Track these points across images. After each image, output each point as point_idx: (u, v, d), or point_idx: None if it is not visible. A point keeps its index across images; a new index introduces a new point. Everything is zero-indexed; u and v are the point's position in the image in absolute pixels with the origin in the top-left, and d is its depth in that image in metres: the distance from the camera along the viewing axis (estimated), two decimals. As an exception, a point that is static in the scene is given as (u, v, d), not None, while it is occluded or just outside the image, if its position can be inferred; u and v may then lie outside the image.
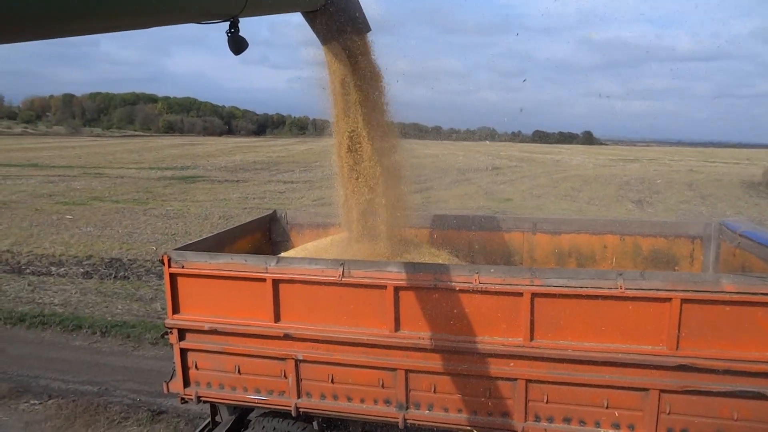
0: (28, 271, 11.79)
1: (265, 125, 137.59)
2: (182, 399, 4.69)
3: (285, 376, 4.40)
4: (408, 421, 4.23)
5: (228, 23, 2.79)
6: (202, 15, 2.54)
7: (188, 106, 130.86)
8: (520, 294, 3.84)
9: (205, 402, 4.72)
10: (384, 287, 4.05)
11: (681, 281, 3.61)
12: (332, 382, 4.32)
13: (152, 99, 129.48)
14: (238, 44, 2.80)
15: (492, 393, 4.06)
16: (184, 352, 4.58)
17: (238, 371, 4.49)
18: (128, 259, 12.57)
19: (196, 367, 4.60)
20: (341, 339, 4.20)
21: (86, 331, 8.47)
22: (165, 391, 4.72)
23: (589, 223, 5.88)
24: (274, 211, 6.55)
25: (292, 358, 4.34)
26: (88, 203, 20.69)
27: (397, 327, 4.11)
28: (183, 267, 4.41)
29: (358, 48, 4.41)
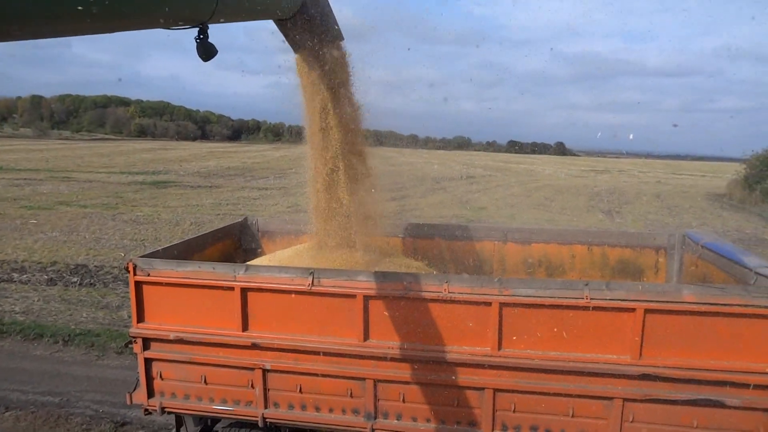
0: (-12, 277, 11.36)
1: (240, 131, 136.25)
2: (146, 410, 4.58)
3: (252, 386, 4.34)
4: (376, 431, 4.20)
5: (197, 29, 2.76)
6: (170, 20, 2.51)
7: (162, 110, 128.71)
8: (489, 303, 3.87)
9: (169, 413, 4.62)
10: (353, 296, 4.04)
11: (644, 292, 3.69)
12: (300, 391, 4.28)
13: (124, 102, 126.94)
14: (207, 50, 2.77)
15: (460, 402, 4.07)
16: (148, 361, 4.48)
17: (204, 381, 4.40)
18: (95, 266, 12.24)
19: (160, 377, 4.50)
20: (310, 348, 4.16)
21: (48, 340, 8.20)
22: (128, 402, 4.60)
23: (558, 234, 5.98)
24: (245, 218, 6.48)
25: (260, 368, 4.28)
26: (55, 208, 20.12)
27: (366, 336, 4.09)
28: (149, 275, 4.32)
29: (331, 56, 4.42)
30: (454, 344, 3.99)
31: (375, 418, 4.19)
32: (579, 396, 3.87)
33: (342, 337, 4.13)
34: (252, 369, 4.31)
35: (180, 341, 4.34)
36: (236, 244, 6.24)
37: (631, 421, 3.83)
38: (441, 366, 4.02)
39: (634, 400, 3.79)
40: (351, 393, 4.20)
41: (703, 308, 3.62)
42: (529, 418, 3.99)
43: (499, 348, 3.91)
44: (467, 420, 4.09)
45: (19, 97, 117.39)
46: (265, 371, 4.29)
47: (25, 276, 11.48)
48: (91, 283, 11.12)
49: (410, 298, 3.97)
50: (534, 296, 3.81)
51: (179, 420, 4.93)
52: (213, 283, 4.22)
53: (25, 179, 29.23)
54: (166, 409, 4.54)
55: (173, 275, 4.28)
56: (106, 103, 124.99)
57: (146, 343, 4.44)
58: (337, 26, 4.31)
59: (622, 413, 3.82)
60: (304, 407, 4.31)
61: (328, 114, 4.63)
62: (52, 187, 26.35)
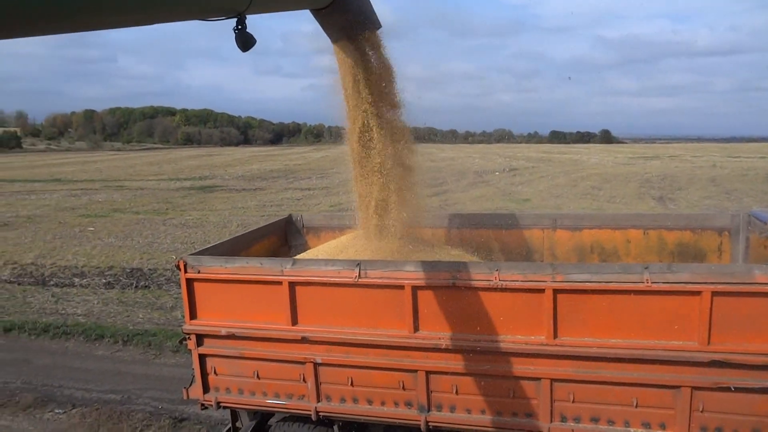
0: (51, 282, 11.97)
1: (281, 134, 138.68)
2: (202, 405, 4.67)
3: (304, 380, 4.35)
4: (430, 423, 4.13)
5: (235, 20, 2.76)
6: (207, 11, 2.51)
7: (205, 118, 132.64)
8: (542, 290, 3.73)
9: (225, 408, 4.69)
10: (401, 287, 3.98)
11: (711, 273, 3.46)
12: (352, 385, 4.25)
13: (170, 112, 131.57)
14: (245, 41, 2.77)
15: (516, 393, 3.94)
16: (202, 357, 4.56)
17: (257, 376, 4.45)
18: (149, 269, 12.69)
19: (215, 372, 4.57)
20: (360, 341, 4.13)
21: (108, 341, 8.55)
22: (185, 397, 4.70)
23: (611, 218, 5.73)
24: (290, 215, 6.53)
25: (311, 362, 4.28)
26: (110, 215, 21.02)
27: (416, 327, 4.02)
28: (199, 272, 4.40)
29: (369, 45, 4.37)
30: (508, 333, 3.86)
31: (428, 410, 4.12)
32: (642, 385, 3.68)
33: (391, 328, 4.07)
34: (303, 363, 4.31)
35: (231, 336, 4.40)
36: (282, 240, 6.30)
37: (701, 411, 3.61)
38: (494, 356, 3.91)
39: (704, 389, 3.57)
40: (403, 385, 4.14)
41: None
42: (590, 409, 3.83)
43: (555, 336, 3.77)
44: (524, 411, 3.96)
45: (73, 113, 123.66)
46: (316, 365, 4.29)
47: (85, 280, 12.02)
48: (146, 286, 11.53)
49: (460, 288, 3.87)
50: (590, 281, 3.64)
51: (234, 414, 5.00)
52: (261, 278, 4.25)
53: (81, 189, 30.69)
54: (222, 404, 4.61)
55: (222, 272, 4.33)
56: (153, 113, 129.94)
57: (199, 339, 4.52)
58: (375, 14, 4.26)
59: (690, 402, 3.60)
60: (356, 400, 4.29)
61: (362, 94, 4.57)
62: (106, 196, 27.56)
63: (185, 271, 4.41)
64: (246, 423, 5.01)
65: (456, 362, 3.99)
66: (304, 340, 4.24)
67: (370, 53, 4.44)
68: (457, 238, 6.00)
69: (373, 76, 4.52)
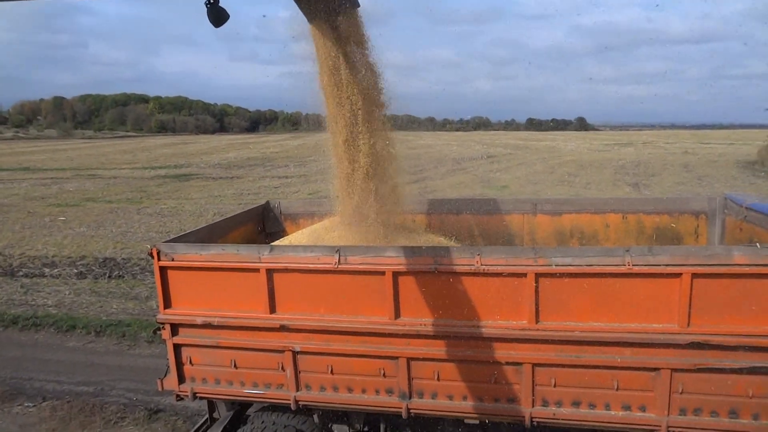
0: (20, 273, 11.60)
1: (258, 122, 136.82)
2: (177, 396, 4.54)
3: (283, 368, 4.25)
4: (412, 410, 4.09)
5: None
6: None
7: (180, 105, 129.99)
8: (524, 275, 3.70)
9: (201, 398, 4.58)
10: (382, 273, 3.90)
11: (690, 255, 3.47)
12: (332, 373, 4.18)
13: (143, 99, 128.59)
14: (218, 15, 2.63)
15: (498, 378, 3.92)
16: (177, 347, 4.43)
17: (235, 365, 4.34)
18: (122, 258, 12.39)
19: (190, 362, 4.45)
20: (339, 328, 4.05)
21: (81, 332, 8.31)
22: (159, 388, 4.58)
23: (590, 203, 5.73)
24: (267, 202, 6.39)
25: (290, 350, 4.19)
26: (81, 204, 20.46)
27: (397, 314, 3.96)
28: (173, 260, 4.25)
29: (347, 24, 4.24)
30: (489, 319, 3.83)
31: (410, 397, 4.07)
32: (623, 368, 3.69)
33: (372, 315, 4.00)
34: (282, 351, 4.22)
35: (208, 326, 4.28)
36: (259, 227, 6.16)
37: (681, 393, 3.63)
38: (476, 342, 3.87)
39: (683, 370, 3.59)
40: (384, 372, 4.09)
41: (756, 270, 3.38)
42: (571, 393, 3.83)
43: (537, 321, 3.74)
44: (506, 396, 3.94)
45: (42, 100, 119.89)
46: (294, 353, 4.20)
47: (56, 270, 11.67)
48: (119, 275, 11.25)
49: (441, 273, 3.82)
50: (571, 265, 3.62)
51: (211, 405, 4.90)
52: (238, 265, 4.13)
53: (51, 178, 29.81)
54: (198, 395, 4.50)
55: (197, 259, 4.20)
56: (126, 101, 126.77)
57: (174, 328, 4.39)
58: None
59: (670, 384, 3.63)
60: (336, 389, 4.22)
61: (341, 75, 4.45)
62: (78, 185, 26.82)
63: (159, 259, 4.26)
64: (223, 413, 4.91)
65: (437, 348, 3.95)
66: (282, 329, 4.14)
67: (347, 34, 4.31)
68: (438, 224, 5.94)
69: (351, 59, 4.40)
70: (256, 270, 4.09)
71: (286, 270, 4.06)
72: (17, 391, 6.70)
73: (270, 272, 4.08)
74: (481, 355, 3.88)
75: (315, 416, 4.56)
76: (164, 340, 4.45)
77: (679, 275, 3.48)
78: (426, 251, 3.87)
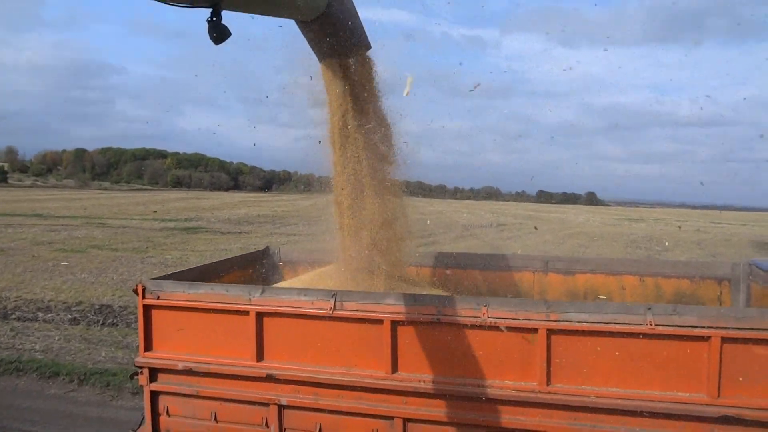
0: (13, 316, 11.27)
1: (272, 181, 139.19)
2: (150, 451, 4.13)
3: (267, 424, 3.87)
4: (406, 480, 3.65)
5: (210, 11, 2.54)
6: None
7: (197, 162, 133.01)
8: (535, 330, 3.39)
9: (176, 455, 4.15)
10: (380, 322, 3.61)
11: (720, 317, 3.15)
12: (320, 431, 3.78)
13: (162, 155, 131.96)
14: (220, 33, 2.54)
15: (505, 448, 3.51)
16: (154, 395, 4.08)
17: (215, 419, 3.96)
18: (119, 306, 12.05)
19: (167, 413, 4.08)
20: (331, 381, 3.70)
21: (64, 379, 7.88)
22: (131, 441, 4.18)
23: (605, 263, 5.45)
24: (267, 247, 6.18)
25: (275, 404, 3.82)
26: (87, 251, 20.34)
27: (395, 368, 3.62)
28: (158, 298, 3.99)
29: (358, 65, 4.19)
30: (495, 378, 3.48)
31: (404, 464, 3.65)
32: None
33: (367, 368, 3.67)
34: (267, 405, 3.86)
35: (189, 372, 3.95)
36: (257, 272, 5.91)
37: None
38: (480, 403, 3.50)
39: None
40: (377, 434, 3.69)
41: None
42: None
43: (548, 383, 3.39)
44: (512, 469, 3.51)
45: (64, 150, 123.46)
46: (280, 407, 3.83)
47: (49, 315, 11.33)
48: (113, 323, 10.88)
49: (444, 324, 3.52)
50: (587, 322, 3.31)
51: None
52: (226, 306, 3.86)
53: (62, 225, 29.96)
54: (172, 450, 4.09)
55: (184, 298, 3.94)
56: (145, 155, 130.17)
57: (153, 374, 4.06)
58: (365, 34, 4.10)
59: None
60: (324, 451, 3.80)
61: (349, 122, 4.35)
62: (86, 233, 26.87)
63: (143, 297, 4.01)
64: (200, 474, 4.44)
65: (437, 409, 3.58)
66: (269, 378, 3.80)
67: (358, 74, 4.26)
68: (443, 278, 5.66)
69: (361, 100, 4.32)
70: (246, 313, 3.82)
71: (277, 314, 3.78)
72: (-14, 440, 6.26)
73: (260, 316, 3.80)
74: (485, 420, 3.50)
75: (299, 483, 4.10)
76: (141, 387, 4.11)
77: (707, 338, 3.15)
78: (428, 299, 3.58)
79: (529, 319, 3.39)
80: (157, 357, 4.02)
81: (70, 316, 11.25)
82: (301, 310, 3.72)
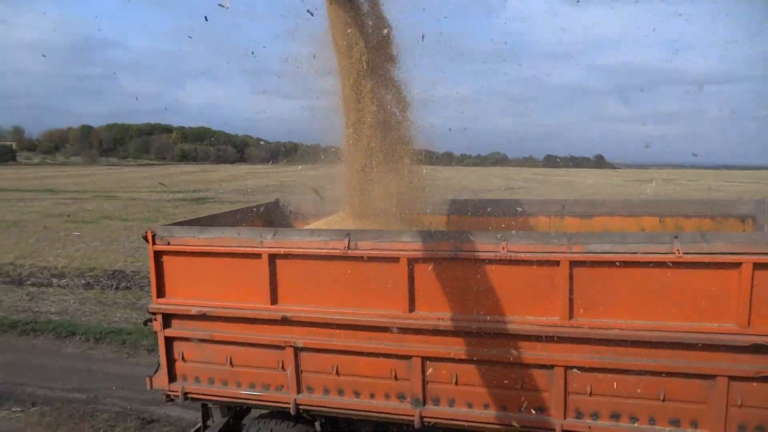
0: (28, 282, 11.39)
1: (278, 153, 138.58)
2: (167, 396, 4.13)
3: (283, 367, 3.83)
4: (425, 419, 3.61)
5: None
6: None
7: (202, 135, 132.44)
8: (557, 263, 3.27)
9: (193, 400, 4.15)
10: (396, 260, 3.51)
11: (752, 243, 3.02)
12: (337, 373, 3.74)
13: (167, 129, 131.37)
14: None
15: (525, 384, 3.44)
16: (169, 341, 4.04)
17: (230, 363, 3.93)
18: (132, 271, 12.13)
19: (183, 358, 4.05)
20: (346, 322, 3.63)
21: (80, 338, 7.97)
22: (148, 386, 4.17)
23: (623, 205, 5.30)
24: (277, 200, 6.08)
25: (291, 346, 3.77)
26: (98, 222, 20.45)
27: (412, 307, 3.54)
28: (169, 243, 3.91)
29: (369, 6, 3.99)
30: (516, 314, 3.39)
31: (423, 403, 3.61)
32: (670, 374, 3.20)
33: (384, 308, 3.59)
34: (282, 347, 3.81)
35: (203, 317, 3.90)
36: (266, 224, 5.82)
37: (740, 406, 3.12)
38: (500, 340, 3.42)
39: (744, 379, 3.08)
40: (395, 374, 3.64)
41: None
42: (609, 403, 3.33)
43: (570, 317, 3.29)
44: (533, 405, 3.45)
45: (70, 128, 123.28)
46: (296, 350, 3.78)
47: (63, 281, 11.44)
48: (126, 287, 10.96)
49: (462, 260, 3.41)
50: (611, 252, 3.19)
51: (206, 411, 4.46)
52: (238, 250, 3.77)
53: (72, 198, 30.11)
54: (189, 395, 4.08)
55: (195, 243, 3.86)
56: (150, 130, 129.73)
57: (167, 320, 4.01)
58: None
59: (727, 395, 3.12)
60: (341, 392, 3.77)
61: (362, 67, 4.18)
62: (96, 205, 26.98)
63: (153, 243, 3.93)
64: (218, 420, 4.46)
65: (456, 347, 3.50)
66: (283, 321, 3.74)
67: (364, 6, 4.06)
68: (457, 224, 5.55)
69: (367, 34, 4.13)
70: (258, 255, 3.73)
71: (290, 256, 3.69)
72: (6, 396, 6.33)
73: (272, 258, 3.72)
74: (505, 356, 3.42)
75: (317, 424, 4.09)
76: (155, 333, 4.08)
77: (738, 265, 3.02)
78: (446, 235, 3.47)
79: (551, 252, 3.27)
80: (170, 303, 3.97)
81: (83, 281, 11.35)
82: (315, 250, 3.62)
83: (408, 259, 3.48)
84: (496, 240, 3.35)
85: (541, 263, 3.30)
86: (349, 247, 3.55)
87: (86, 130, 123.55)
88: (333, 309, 3.66)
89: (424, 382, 3.59)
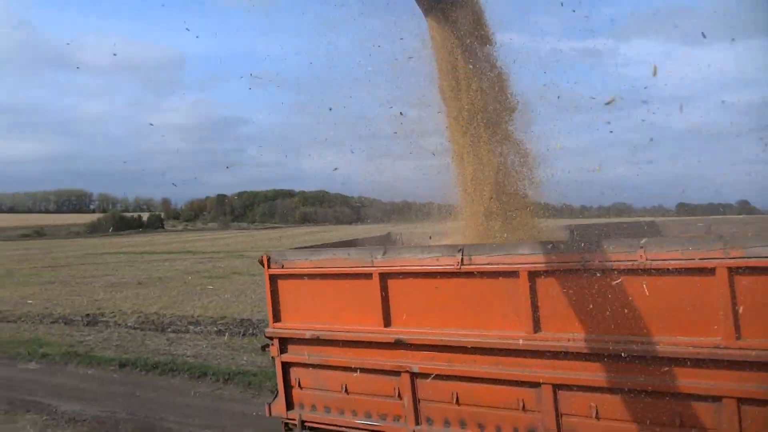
0: (169, 329, 12.41)
1: (392, 212, 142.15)
2: (285, 425, 4.07)
3: (399, 395, 3.61)
4: (561, 459, 3.15)
5: None
6: None
7: (321, 199, 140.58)
8: (711, 271, 2.77)
9: (311, 429, 4.04)
10: (515, 274, 3.21)
11: None
12: (457, 402, 3.44)
13: (290, 194, 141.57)
14: None
15: (684, 419, 2.88)
16: (286, 366, 4.04)
17: (345, 390, 3.80)
18: (257, 320, 12.72)
19: (299, 385, 4.00)
20: (464, 344, 3.36)
21: (210, 379, 8.38)
22: (267, 413, 4.17)
23: None
24: (389, 233, 6.04)
25: (406, 371, 3.56)
26: (229, 277, 22.06)
27: (537, 326, 3.19)
28: (283, 266, 3.98)
29: (466, 16, 3.93)
30: (667, 333, 2.89)
31: (558, 439, 3.16)
32: None
33: (504, 328, 3.27)
34: (397, 373, 3.61)
35: (316, 341, 3.85)
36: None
37: None
38: (649, 365, 2.93)
39: None
40: (523, 404, 3.25)
41: None
42: None
43: (738, 337, 2.74)
44: (697, 444, 2.86)
45: (207, 197, 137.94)
46: (412, 375, 3.56)
47: (198, 328, 12.30)
48: (253, 334, 11.47)
49: (592, 273, 3.02)
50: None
51: None
52: (349, 270, 3.72)
53: (208, 258, 33.05)
54: (307, 424, 3.98)
55: (307, 265, 3.88)
56: (275, 196, 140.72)
57: (283, 344, 4.03)
58: None
59: None
60: (463, 424, 3.44)
61: (460, 73, 4.08)
62: (228, 263, 29.28)
63: (268, 267, 4.03)
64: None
65: (594, 373, 3.06)
66: (397, 344, 3.56)
67: (467, 27, 4.00)
68: None
69: (470, 51, 4.05)
70: (369, 275, 3.64)
71: (401, 274, 3.55)
72: (148, 429, 6.75)
73: (384, 277, 3.60)
74: (656, 384, 2.91)
75: (438, 461, 3.75)
76: (273, 358, 4.10)
77: None
78: (571, 246, 3.12)
79: (703, 258, 2.79)
80: (285, 327, 3.99)
81: (215, 329, 12.10)
82: (427, 267, 3.45)
83: (528, 272, 3.17)
84: (631, 247, 2.94)
85: (691, 272, 2.82)
86: (462, 263, 3.33)
87: (221, 199, 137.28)
88: (449, 330, 3.42)
89: (558, 415, 3.16)
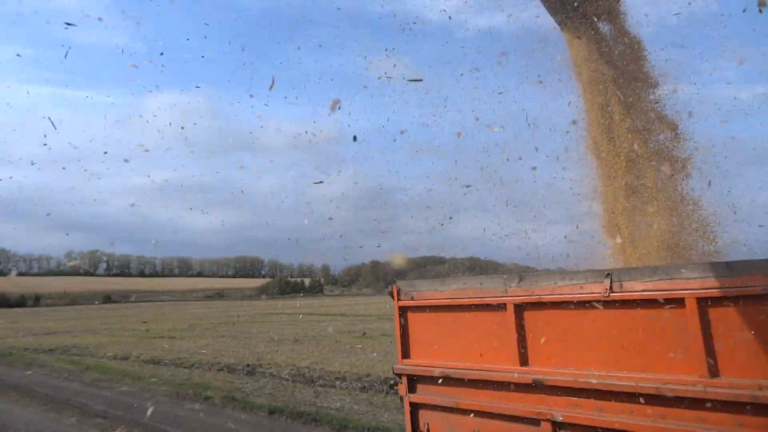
0: (317, 383, 12.77)
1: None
2: (414, 474, 3.75)
3: (540, 448, 3.11)
4: None
5: None
6: None
7: (472, 265, 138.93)
8: None
9: (439, 482, 3.66)
10: (680, 302, 2.65)
11: None
12: (612, 462, 2.84)
13: (440, 261, 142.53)
14: None
15: None
16: (414, 408, 3.77)
17: (478, 438, 3.39)
18: (401, 378, 12.55)
19: (428, 430, 3.69)
20: (617, 388, 2.81)
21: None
22: (394, 459, 3.87)
23: None
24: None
25: (547, 419, 3.07)
26: (376, 338, 22.40)
27: (714, 369, 2.55)
28: (413, 298, 3.81)
29: (605, 17, 3.62)
30: None
31: None
32: None
33: (669, 371, 2.68)
34: (537, 422, 3.13)
35: (446, 380, 3.54)
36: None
37: None
38: None
39: None
40: (700, 470, 2.57)
41: None
42: None
43: None
44: None
45: (362, 264, 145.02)
46: (555, 425, 3.05)
47: (344, 383, 12.47)
48: (396, 393, 11.27)
49: (787, 298, 2.37)
50: None
51: None
52: (481, 301, 3.42)
53: (359, 320, 34.18)
54: (435, 475, 3.62)
55: (437, 296, 3.66)
56: (425, 263, 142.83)
57: (412, 383, 3.78)
58: None
59: None
60: (621, 492, 2.82)
61: (611, 92, 3.68)
62: (378, 325, 29.89)
63: (398, 298, 3.89)
64: None
65: (801, 433, 2.32)
66: (536, 386, 3.11)
67: (605, 29, 3.67)
68: None
69: (614, 56, 3.68)
70: (503, 306, 3.30)
71: (539, 305, 3.16)
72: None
73: (519, 309, 3.24)
74: None
75: None
76: (401, 398, 3.86)
77: None
78: (750, 265, 2.50)
79: None
80: (414, 363, 3.76)
81: (360, 385, 12.15)
82: (568, 296, 3.02)
83: (697, 299, 2.59)
84: None
85: None
86: (611, 290, 2.86)
87: (375, 265, 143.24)
88: (597, 372, 2.90)
89: (753, 488, 2.43)
